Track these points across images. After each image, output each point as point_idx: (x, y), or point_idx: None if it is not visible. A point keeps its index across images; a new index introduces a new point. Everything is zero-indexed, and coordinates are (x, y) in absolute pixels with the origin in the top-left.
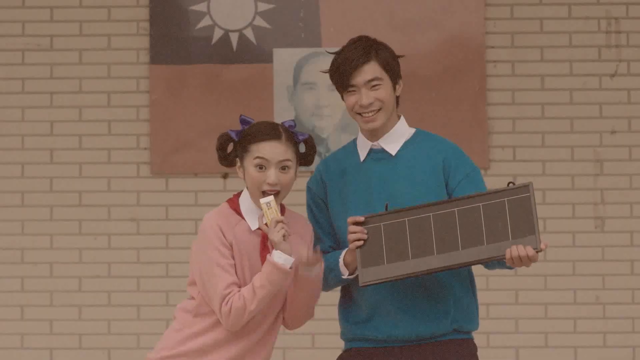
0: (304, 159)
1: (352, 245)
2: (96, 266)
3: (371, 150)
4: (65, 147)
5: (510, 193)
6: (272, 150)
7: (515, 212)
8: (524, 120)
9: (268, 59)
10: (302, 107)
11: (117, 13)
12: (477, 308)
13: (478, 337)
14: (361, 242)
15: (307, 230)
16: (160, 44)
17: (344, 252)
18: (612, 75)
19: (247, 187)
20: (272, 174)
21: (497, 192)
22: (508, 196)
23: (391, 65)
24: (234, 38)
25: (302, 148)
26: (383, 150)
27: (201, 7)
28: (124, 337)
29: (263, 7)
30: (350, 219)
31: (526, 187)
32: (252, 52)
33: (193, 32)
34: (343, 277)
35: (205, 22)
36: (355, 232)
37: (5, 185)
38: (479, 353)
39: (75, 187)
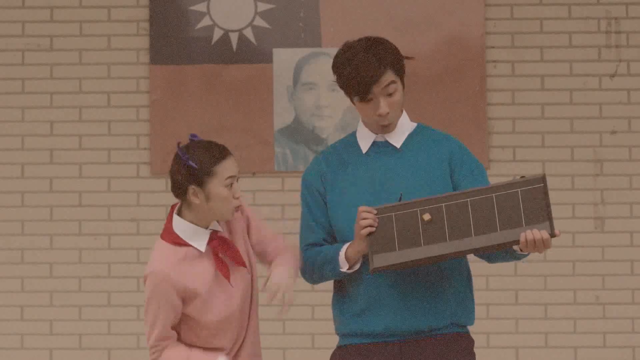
0: None
1: (363, 231)
2: (96, 266)
3: (374, 143)
4: (65, 148)
5: (524, 184)
6: (235, 165)
7: (529, 202)
8: (524, 120)
9: (268, 59)
10: (302, 107)
11: (117, 13)
12: (473, 303)
13: (478, 337)
14: (372, 229)
15: (241, 224)
16: (160, 44)
17: (345, 245)
18: (612, 76)
19: (195, 211)
20: (238, 188)
21: (510, 184)
22: (521, 187)
23: (401, 68)
24: (233, 38)
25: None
26: (387, 143)
27: (201, 7)
28: (124, 337)
29: (263, 7)
30: (361, 208)
31: (540, 179)
32: (252, 52)
33: (193, 32)
34: (341, 270)
35: (205, 22)
36: (366, 219)
37: (5, 185)
38: (480, 353)
39: (75, 187)
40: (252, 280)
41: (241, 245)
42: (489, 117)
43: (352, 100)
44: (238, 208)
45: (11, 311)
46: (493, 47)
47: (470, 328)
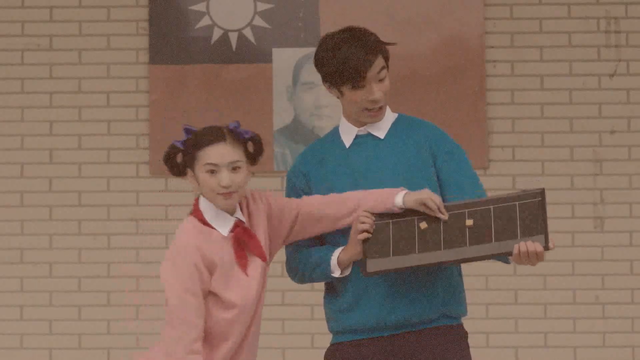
0: (250, 160)
1: (360, 236)
2: (96, 266)
3: (357, 136)
4: (64, 147)
5: (522, 197)
6: (220, 153)
7: (526, 215)
8: (524, 120)
9: (267, 58)
10: (301, 107)
11: (116, 13)
12: (464, 292)
13: (478, 337)
14: (369, 235)
15: (262, 216)
16: (159, 44)
17: (337, 250)
18: (612, 75)
19: (201, 194)
20: (224, 176)
21: (509, 197)
22: (519, 200)
23: (387, 54)
24: (233, 38)
25: (252, 148)
26: (370, 135)
27: (200, 7)
28: (123, 337)
29: (262, 7)
30: (361, 212)
31: (539, 193)
32: (251, 52)
33: (192, 32)
34: (333, 275)
35: (204, 22)
36: (364, 223)
37: (5, 185)
38: (479, 353)
39: (75, 187)
40: (265, 273)
41: (261, 235)
42: (489, 117)
43: (339, 92)
44: (229, 195)
45: (11, 311)
46: (492, 47)
47: (469, 328)
